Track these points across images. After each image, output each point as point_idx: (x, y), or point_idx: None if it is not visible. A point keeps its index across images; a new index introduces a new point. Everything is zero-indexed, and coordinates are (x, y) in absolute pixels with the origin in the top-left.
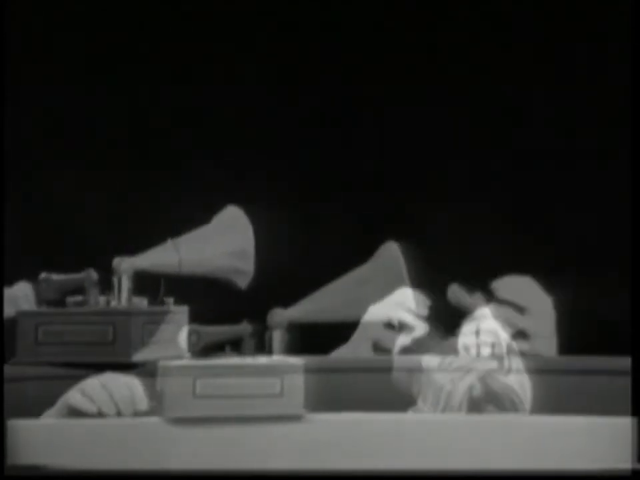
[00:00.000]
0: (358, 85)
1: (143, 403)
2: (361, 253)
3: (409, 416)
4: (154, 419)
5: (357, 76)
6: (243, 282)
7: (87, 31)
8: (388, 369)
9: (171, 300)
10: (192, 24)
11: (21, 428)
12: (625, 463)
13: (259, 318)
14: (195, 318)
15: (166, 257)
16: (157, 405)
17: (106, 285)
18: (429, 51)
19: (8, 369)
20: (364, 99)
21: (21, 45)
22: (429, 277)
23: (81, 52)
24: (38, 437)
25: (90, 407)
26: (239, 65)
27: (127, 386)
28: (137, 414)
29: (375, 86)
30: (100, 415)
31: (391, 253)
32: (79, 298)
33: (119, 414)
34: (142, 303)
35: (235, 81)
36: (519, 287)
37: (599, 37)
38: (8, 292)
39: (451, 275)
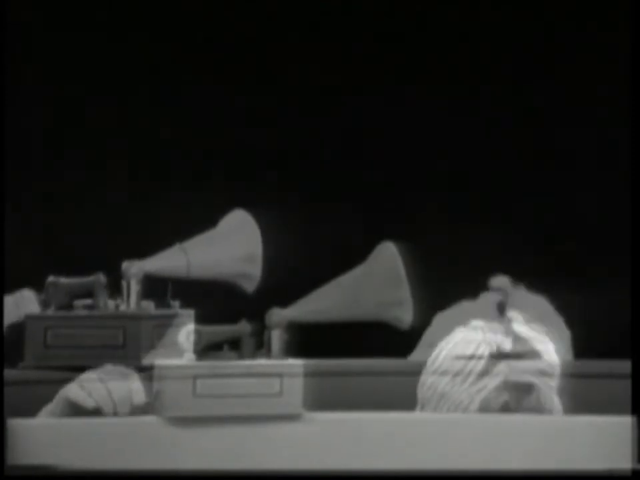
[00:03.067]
0: (359, 86)
1: (141, 399)
2: (361, 253)
3: (409, 416)
4: (154, 419)
5: (357, 78)
6: (250, 286)
7: (87, 31)
8: (387, 373)
9: (177, 303)
10: (193, 27)
11: (21, 428)
12: (625, 463)
13: (258, 318)
14: (194, 318)
15: (174, 260)
16: (154, 402)
17: (114, 288)
18: (432, 52)
19: (15, 373)
20: (365, 101)
21: (21, 44)
22: (427, 277)
23: (81, 52)
24: (38, 437)
25: (89, 402)
26: (239, 66)
27: (125, 382)
28: (133, 411)
29: (377, 87)
30: (97, 410)
31: (388, 253)
32: (87, 301)
33: (115, 411)
34: (149, 306)
35: (238, 83)
36: (534, 303)
37: (599, 34)
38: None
39: (449, 275)
